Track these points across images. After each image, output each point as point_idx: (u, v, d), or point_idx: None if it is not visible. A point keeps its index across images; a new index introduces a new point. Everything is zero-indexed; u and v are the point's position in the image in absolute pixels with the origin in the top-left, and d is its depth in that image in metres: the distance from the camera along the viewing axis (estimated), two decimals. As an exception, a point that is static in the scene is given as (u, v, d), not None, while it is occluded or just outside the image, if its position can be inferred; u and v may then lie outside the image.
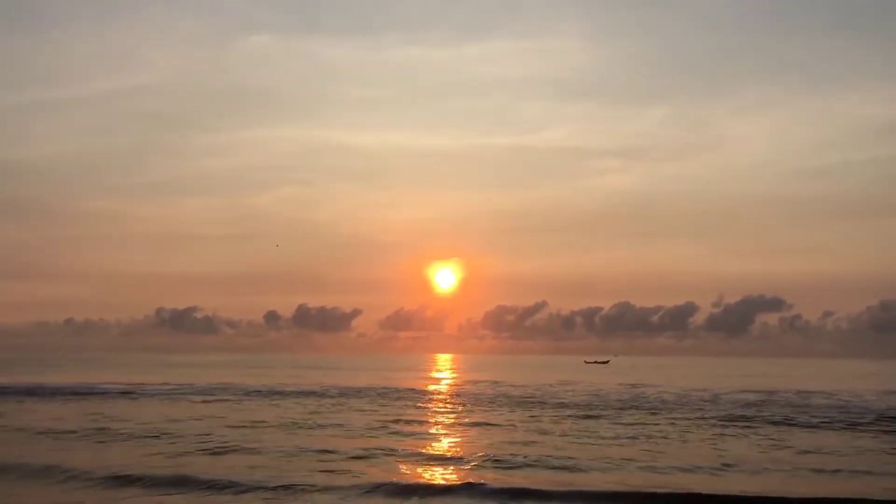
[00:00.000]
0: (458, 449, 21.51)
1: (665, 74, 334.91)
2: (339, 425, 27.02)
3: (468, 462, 18.93)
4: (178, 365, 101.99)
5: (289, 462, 18.93)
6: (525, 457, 19.61)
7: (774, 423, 28.35)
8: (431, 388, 53.87)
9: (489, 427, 26.95)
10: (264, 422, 28.09)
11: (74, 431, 24.91)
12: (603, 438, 23.79)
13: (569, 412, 32.66)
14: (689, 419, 29.75)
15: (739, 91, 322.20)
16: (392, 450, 20.82)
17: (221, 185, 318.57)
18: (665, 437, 24.13)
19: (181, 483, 16.13)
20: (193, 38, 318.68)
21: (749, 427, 27.26)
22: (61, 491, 15.70)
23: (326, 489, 15.68)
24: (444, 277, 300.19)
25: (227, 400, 39.13)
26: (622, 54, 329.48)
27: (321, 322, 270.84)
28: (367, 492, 15.49)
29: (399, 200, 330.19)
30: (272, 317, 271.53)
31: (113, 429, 25.54)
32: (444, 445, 22.37)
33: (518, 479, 16.59)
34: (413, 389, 49.79)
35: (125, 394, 42.96)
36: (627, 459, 19.36)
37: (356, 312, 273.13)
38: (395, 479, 16.44)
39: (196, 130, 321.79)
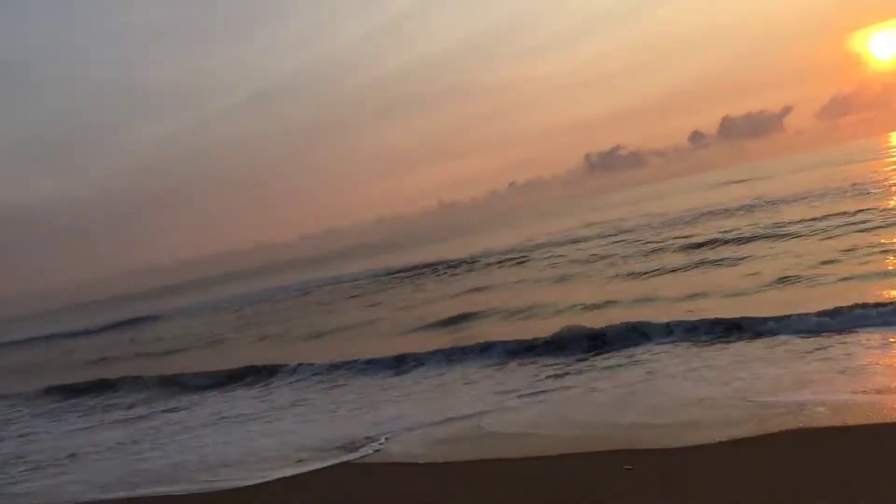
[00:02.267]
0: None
1: None
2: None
3: None
4: (594, 208, 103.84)
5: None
6: None
7: None
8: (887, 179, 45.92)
9: None
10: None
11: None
12: None
13: None
14: None
15: None
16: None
17: (608, 21, 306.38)
18: None
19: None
20: None
21: None
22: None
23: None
24: (880, 45, 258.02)
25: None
26: None
27: (749, 130, 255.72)
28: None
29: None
30: (696, 136, 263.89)
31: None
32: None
33: None
34: (860, 183, 42.66)
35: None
36: None
37: (786, 110, 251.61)
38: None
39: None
